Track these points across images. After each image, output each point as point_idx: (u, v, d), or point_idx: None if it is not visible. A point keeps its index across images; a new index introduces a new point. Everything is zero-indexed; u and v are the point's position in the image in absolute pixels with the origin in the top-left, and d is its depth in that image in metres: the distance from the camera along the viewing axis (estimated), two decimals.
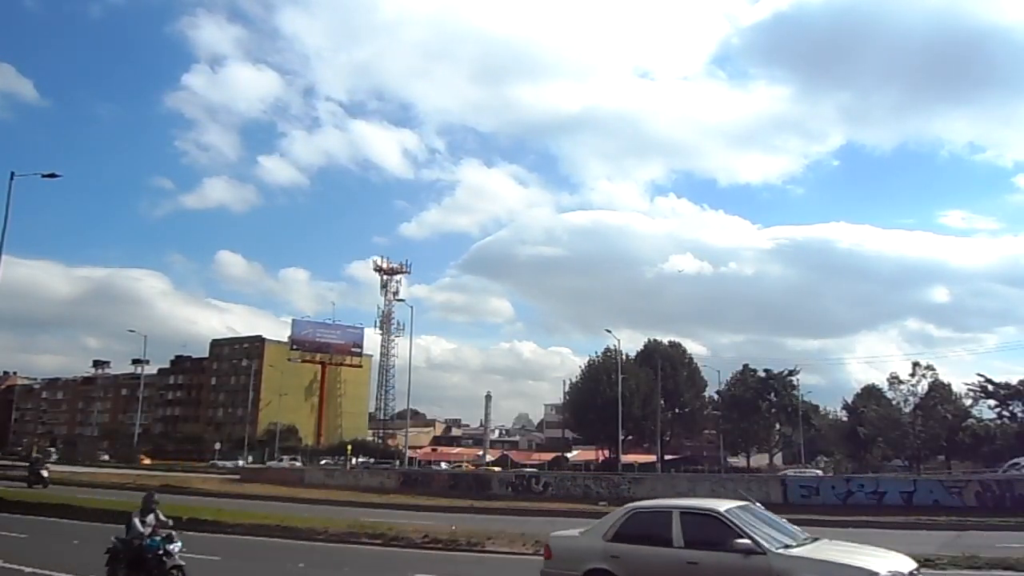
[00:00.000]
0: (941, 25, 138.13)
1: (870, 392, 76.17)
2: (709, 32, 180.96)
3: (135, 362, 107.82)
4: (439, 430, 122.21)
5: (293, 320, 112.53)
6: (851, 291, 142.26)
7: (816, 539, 9.17)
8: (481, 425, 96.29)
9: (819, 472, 56.06)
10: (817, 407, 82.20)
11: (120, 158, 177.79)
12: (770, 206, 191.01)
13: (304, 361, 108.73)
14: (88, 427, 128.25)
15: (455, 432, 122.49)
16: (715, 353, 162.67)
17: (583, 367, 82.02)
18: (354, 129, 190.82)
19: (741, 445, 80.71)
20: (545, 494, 37.10)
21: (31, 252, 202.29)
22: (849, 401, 78.79)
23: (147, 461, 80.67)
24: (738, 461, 79.88)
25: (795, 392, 76.04)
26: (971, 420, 67.40)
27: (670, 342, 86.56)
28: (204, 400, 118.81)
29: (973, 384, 67.28)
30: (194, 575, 14.61)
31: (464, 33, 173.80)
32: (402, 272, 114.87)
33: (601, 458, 78.17)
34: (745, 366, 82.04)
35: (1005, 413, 66.21)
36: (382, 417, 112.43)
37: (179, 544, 10.93)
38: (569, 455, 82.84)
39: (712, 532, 8.79)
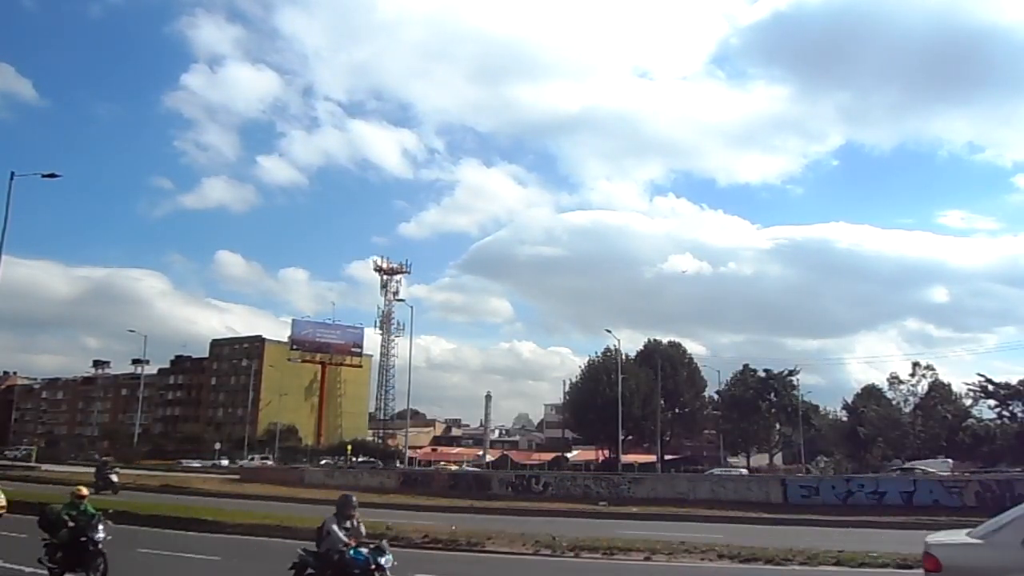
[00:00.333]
0: (940, 25, 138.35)
1: (870, 392, 76.17)
2: (708, 32, 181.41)
3: (135, 362, 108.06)
4: (439, 430, 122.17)
5: (293, 320, 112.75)
6: (851, 291, 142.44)
7: None
8: (481, 425, 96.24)
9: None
10: (817, 407, 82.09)
11: (119, 158, 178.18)
12: (769, 206, 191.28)
13: (304, 361, 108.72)
14: (88, 427, 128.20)
15: (455, 432, 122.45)
16: (715, 353, 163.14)
17: (583, 367, 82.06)
18: (353, 129, 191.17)
19: (741, 445, 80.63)
20: (545, 494, 37.13)
21: (31, 252, 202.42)
22: (849, 401, 78.78)
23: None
24: (738, 461, 79.76)
25: (795, 392, 75.98)
26: (971, 420, 67.39)
27: (670, 342, 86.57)
28: (204, 400, 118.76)
29: (973, 384, 67.36)
30: (195, 575, 14.71)
31: (463, 33, 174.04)
32: (402, 272, 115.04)
33: (601, 458, 78.13)
34: (745, 366, 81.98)
35: (1005, 413, 66.20)
36: (382, 417, 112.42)
37: (390, 557, 9.48)
38: (569, 455, 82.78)
39: None
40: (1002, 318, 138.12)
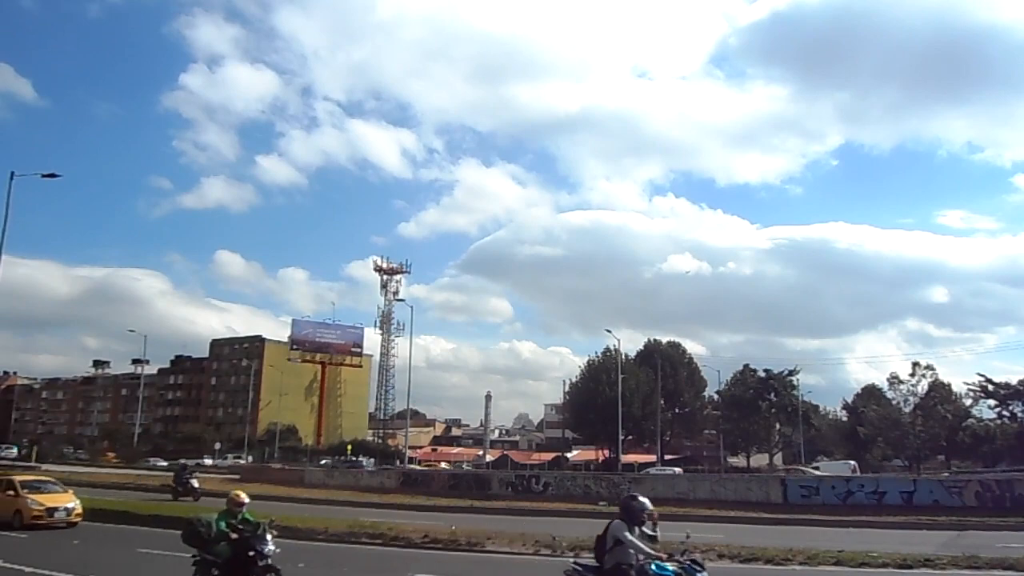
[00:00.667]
0: (939, 24, 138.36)
1: (870, 392, 76.17)
2: (707, 32, 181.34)
3: (135, 362, 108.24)
4: (439, 430, 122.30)
5: (293, 320, 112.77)
6: (850, 291, 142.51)
7: None
8: (481, 425, 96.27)
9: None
10: (817, 407, 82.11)
11: (118, 158, 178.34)
12: (769, 206, 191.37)
13: (304, 361, 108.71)
14: (88, 427, 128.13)
15: (455, 432, 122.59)
16: (715, 353, 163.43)
17: (583, 367, 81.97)
18: (352, 129, 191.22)
19: (741, 445, 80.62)
20: (545, 494, 37.08)
21: (30, 252, 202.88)
22: (849, 401, 78.84)
23: (113, 458, 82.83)
24: (738, 461, 79.79)
25: (795, 392, 75.96)
26: (971, 420, 67.35)
27: (669, 342, 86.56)
28: (204, 400, 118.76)
29: (973, 384, 67.25)
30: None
31: (462, 33, 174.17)
32: (402, 272, 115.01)
33: (601, 458, 78.09)
34: (745, 366, 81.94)
35: (1005, 413, 66.12)
36: (382, 417, 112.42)
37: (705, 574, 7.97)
38: (569, 455, 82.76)
39: None
40: (1002, 318, 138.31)
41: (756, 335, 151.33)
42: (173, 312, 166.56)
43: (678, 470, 54.61)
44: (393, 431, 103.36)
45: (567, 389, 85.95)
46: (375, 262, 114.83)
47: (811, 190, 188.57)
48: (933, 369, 66.85)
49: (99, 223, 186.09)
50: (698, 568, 7.90)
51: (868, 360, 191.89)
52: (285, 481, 46.63)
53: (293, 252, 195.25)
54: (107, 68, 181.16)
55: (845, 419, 77.74)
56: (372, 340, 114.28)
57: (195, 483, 32.18)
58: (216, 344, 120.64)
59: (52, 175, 30.38)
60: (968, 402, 67.42)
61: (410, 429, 72.81)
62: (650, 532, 8.28)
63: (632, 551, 7.79)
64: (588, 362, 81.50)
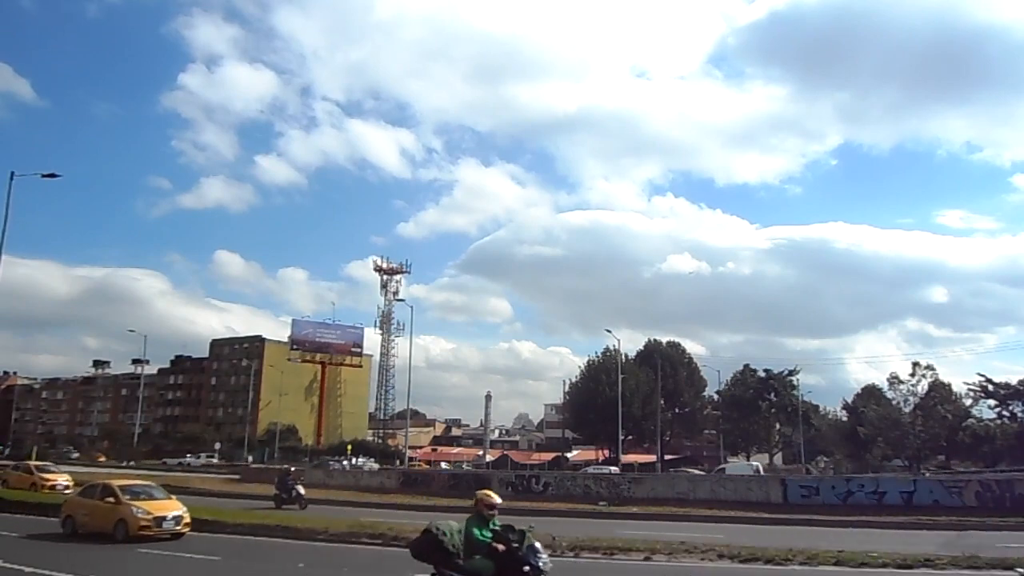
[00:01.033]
0: (938, 24, 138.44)
1: (870, 392, 76.07)
2: (706, 31, 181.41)
3: (135, 362, 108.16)
4: (439, 430, 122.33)
5: (293, 320, 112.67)
6: (850, 291, 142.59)
7: None
8: (481, 425, 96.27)
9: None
10: (817, 407, 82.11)
11: (118, 158, 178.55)
12: (768, 206, 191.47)
13: (304, 361, 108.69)
14: (88, 427, 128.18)
15: (455, 432, 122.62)
16: (714, 353, 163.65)
17: (583, 367, 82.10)
18: (351, 129, 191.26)
19: (741, 445, 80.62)
20: (545, 494, 37.06)
21: (30, 252, 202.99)
22: (849, 401, 78.76)
23: (103, 458, 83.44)
24: (738, 461, 79.73)
25: (795, 392, 75.96)
26: (971, 420, 67.33)
27: (669, 342, 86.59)
28: (204, 400, 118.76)
29: (973, 384, 67.22)
30: (195, 575, 14.70)
31: (461, 32, 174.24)
32: (402, 272, 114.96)
33: (601, 458, 78.03)
34: (745, 366, 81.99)
35: (1005, 413, 66.10)
36: (382, 417, 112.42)
37: None
38: (569, 455, 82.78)
39: None
40: (1002, 318, 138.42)
41: (756, 335, 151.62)
42: (173, 312, 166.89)
43: (615, 469, 56.16)
44: (393, 431, 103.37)
45: (567, 389, 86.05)
46: (375, 262, 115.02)
47: (810, 190, 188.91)
48: (933, 369, 66.82)
49: (99, 223, 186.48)
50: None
51: (868, 360, 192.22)
52: None
53: (293, 252, 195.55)
54: (106, 68, 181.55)
55: (845, 419, 77.65)
56: (372, 340, 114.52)
57: (301, 490, 29.94)
58: (216, 344, 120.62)
59: (52, 175, 30.35)
60: (968, 402, 67.43)
61: (410, 429, 72.85)
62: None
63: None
64: (588, 362, 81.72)
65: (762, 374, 79.99)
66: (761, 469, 51.62)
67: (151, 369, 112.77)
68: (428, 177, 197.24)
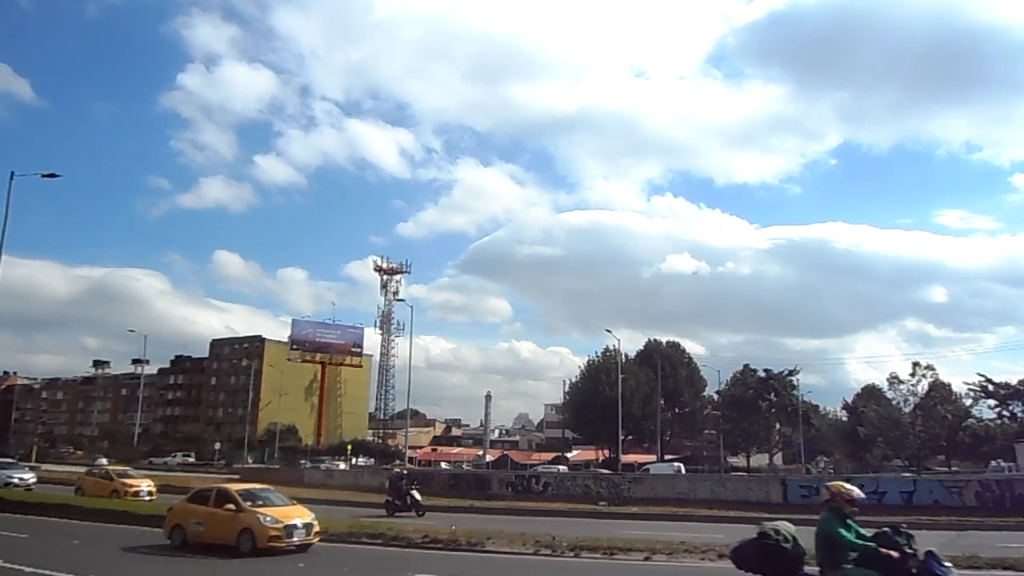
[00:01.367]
0: (938, 24, 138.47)
1: (870, 392, 76.18)
2: (705, 31, 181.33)
3: (135, 362, 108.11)
4: (439, 430, 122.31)
5: (293, 320, 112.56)
6: (850, 291, 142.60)
7: None
8: (481, 425, 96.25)
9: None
10: (817, 407, 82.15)
11: (117, 158, 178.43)
12: (767, 206, 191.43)
13: (304, 361, 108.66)
14: (88, 427, 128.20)
15: (455, 432, 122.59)
16: (714, 353, 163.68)
17: (583, 367, 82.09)
18: (350, 128, 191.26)
19: (741, 445, 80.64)
20: (545, 494, 37.09)
21: (30, 252, 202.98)
22: (849, 401, 78.86)
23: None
24: (738, 461, 79.83)
25: (795, 392, 75.99)
26: (971, 420, 67.42)
27: (669, 342, 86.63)
28: (204, 400, 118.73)
29: (973, 384, 67.41)
30: (193, 574, 14.70)
31: (460, 32, 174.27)
32: (402, 272, 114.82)
33: (601, 458, 78.10)
34: (745, 366, 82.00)
35: (1005, 413, 66.27)
36: (382, 417, 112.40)
37: None
38: (569, 455, 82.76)
39: None
40: (1002, 318, 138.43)
41: (756, 335, 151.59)
42: (173, 312, 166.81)
43: (563, 468, 56.85)
44: (393, 431, 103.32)
45: (567, 389, 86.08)
46: (375, 262, 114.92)
47: (810, 190, 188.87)
48: (933, 369, 66.97)
49: (99, 223, 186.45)
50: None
51: (868, 360, 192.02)
52: (286, 481, 46.55)
53: (292, 252, 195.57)
54: (105, 68, 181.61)
55: (845, 419, 77.76)
56: (372, 340, 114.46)
57: (416, 495, 27.84)
58: (216, 344, 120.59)
59: (52, 175, 30.33)
60: (968, 402, 67.59)
61: (410, 429, 72.81)
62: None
63: None
64: (588, 362, 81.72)
65: (762, 374, 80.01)
66: (683, 468, 50.99)
67: (151, 369, 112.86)
68: (427, 177, 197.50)
